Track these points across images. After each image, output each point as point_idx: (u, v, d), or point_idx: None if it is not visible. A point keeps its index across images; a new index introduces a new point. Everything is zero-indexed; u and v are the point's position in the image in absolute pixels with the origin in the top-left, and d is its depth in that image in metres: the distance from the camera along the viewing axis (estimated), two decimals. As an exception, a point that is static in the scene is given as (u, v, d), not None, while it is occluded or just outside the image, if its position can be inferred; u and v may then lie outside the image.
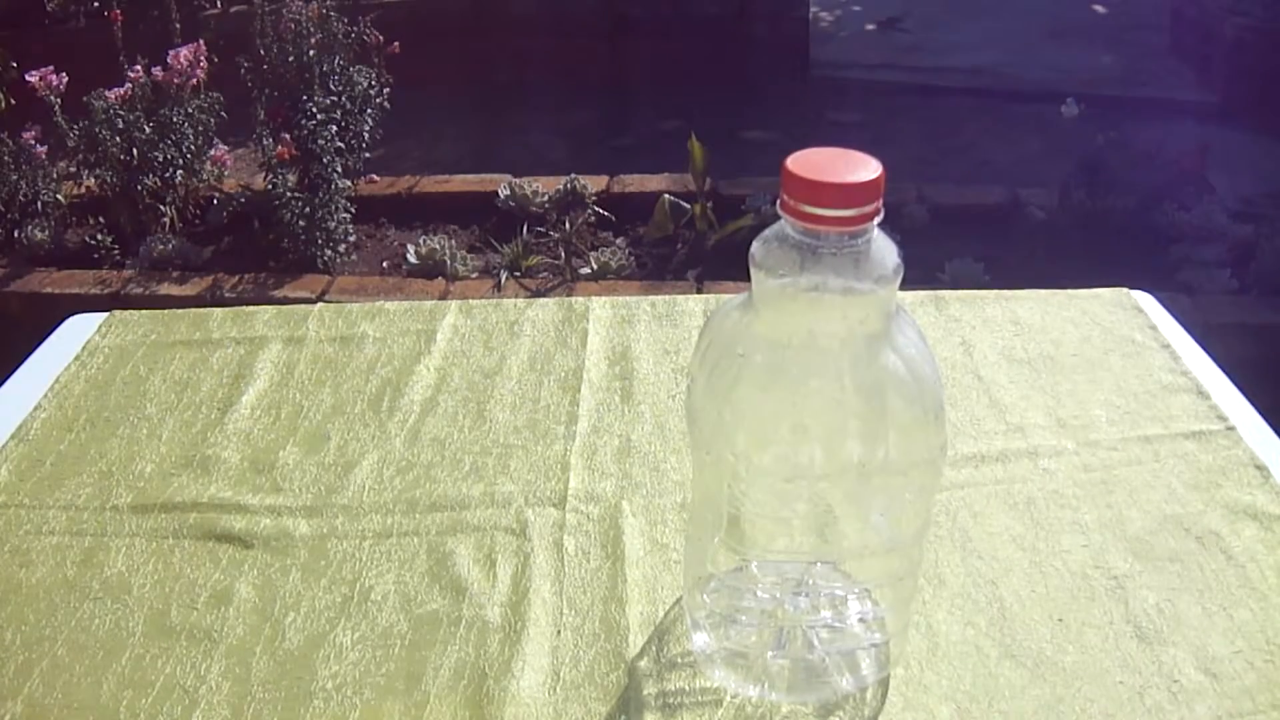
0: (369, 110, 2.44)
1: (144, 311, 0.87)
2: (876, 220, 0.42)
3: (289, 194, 2.24)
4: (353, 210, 2.37)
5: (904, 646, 0.54)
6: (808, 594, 0.52)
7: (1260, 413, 0.72)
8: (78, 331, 0.84)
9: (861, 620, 0.53)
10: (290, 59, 2.31)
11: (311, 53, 2.32)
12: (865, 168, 0.41)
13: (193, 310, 0.87)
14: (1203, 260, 2.18)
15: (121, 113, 2.31)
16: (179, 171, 2.40)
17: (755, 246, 0.44)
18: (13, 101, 2.82)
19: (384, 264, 2.38)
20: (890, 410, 0.44)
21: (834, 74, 3.47)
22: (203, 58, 2.38)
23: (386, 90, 2.46)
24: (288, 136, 2.28)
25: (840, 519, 0.49)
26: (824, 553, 0.52)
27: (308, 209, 2.26)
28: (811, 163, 0.41)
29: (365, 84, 2.42)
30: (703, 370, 0.47)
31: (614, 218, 2.47)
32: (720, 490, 0.49)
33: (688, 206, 2.40)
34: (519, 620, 0.57)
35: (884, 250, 0.43)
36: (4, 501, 0.66)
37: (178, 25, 2.55)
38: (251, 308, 0.87)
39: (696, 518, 0.53)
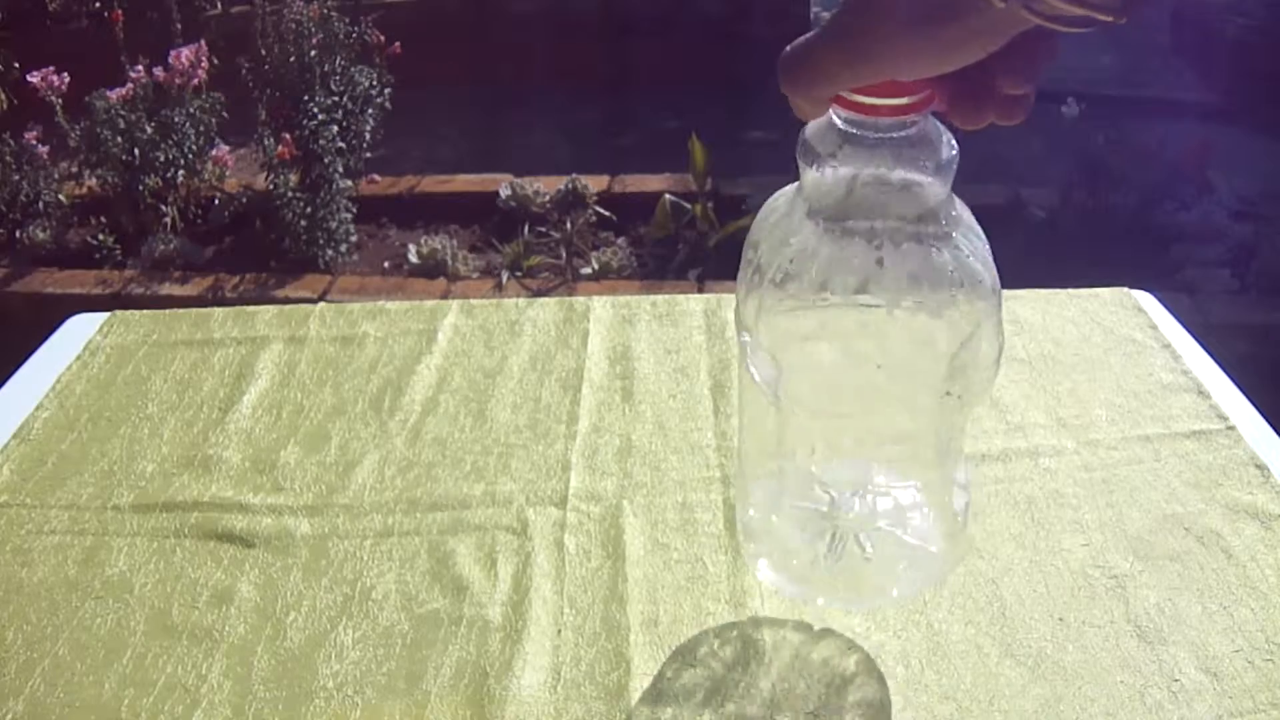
0: (370, 110, 2.44)
1: (145, 311, 0.87)
2: (929, 109, 0.40)
3: (290, 194, 2.25)
4: (354, 210, 2.38)
5: (956, 563, 0.55)
6: (864, 496, 0.52)
7: (1261, 412, 0.72)
8: (79, 331, 0.84)
9: (915, 530, 0.52)
10: (291, 59, 2.31)
11: (313, 53, 2.32)
12: None
13: (194, 310, 0.87)
14: (1203, 260, 2.18)
15: (123, 113, 2.31)
16: (180, 171, 2.41)
17: (803, 133, 0.42)
18: (14, 101, 2.82)
19: (385, 264, 2.38)
20: (950, 322, 0.43)
21: (835, 74, 3.46)
22: (204, 58, 2.38)
23: (388, 90, 2.46)
24: (289, 136, 2.28)
25: (903, 430, 0.48)
26: (886, 458, 0.51)
27: (309, 209, 2.26)
28: None
29: (366, 84, 2.42)
30: (762, 293, 0.44)
31: (615, 217, 2.47)
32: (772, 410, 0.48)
33: (689, 206, 2.41)
34: (520, 619, 0.57)
35: (936, 140, 0.42)
36: (6, 501, 0.67)
37: (179, 25, 2.55)
38: (253, 307, 0.87)
39: (749, 426, 0.52)
